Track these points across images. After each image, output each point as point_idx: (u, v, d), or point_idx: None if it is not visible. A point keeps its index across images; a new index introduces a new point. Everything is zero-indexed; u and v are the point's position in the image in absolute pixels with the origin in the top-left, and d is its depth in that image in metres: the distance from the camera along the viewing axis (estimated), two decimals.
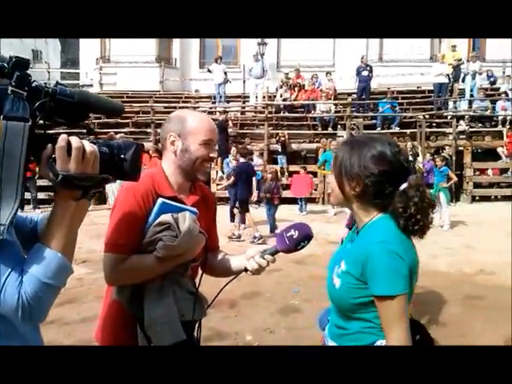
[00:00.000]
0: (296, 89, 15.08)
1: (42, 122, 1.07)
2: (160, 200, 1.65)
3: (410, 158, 9.51)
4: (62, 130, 1.33)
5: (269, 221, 8.83)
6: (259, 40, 15.18)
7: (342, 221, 5.17)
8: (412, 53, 15.84)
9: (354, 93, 15.39)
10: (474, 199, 12.49)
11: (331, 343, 1.51)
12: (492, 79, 15.14)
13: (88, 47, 17.42)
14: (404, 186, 1.39)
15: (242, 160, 9.21)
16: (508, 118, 13.71)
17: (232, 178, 8.78)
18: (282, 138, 12.97)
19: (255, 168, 11.50)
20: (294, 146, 13.46)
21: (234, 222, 8.91)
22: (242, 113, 15.70)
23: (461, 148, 12.92)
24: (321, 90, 14.85)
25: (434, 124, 14.06)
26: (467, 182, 12.57)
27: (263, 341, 3.99)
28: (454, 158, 12.36)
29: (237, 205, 8.60)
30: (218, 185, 10.89)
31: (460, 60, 14.76)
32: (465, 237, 7.28)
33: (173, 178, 1.75)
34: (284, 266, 5.70)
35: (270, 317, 4.61)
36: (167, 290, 1.65)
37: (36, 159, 1.07)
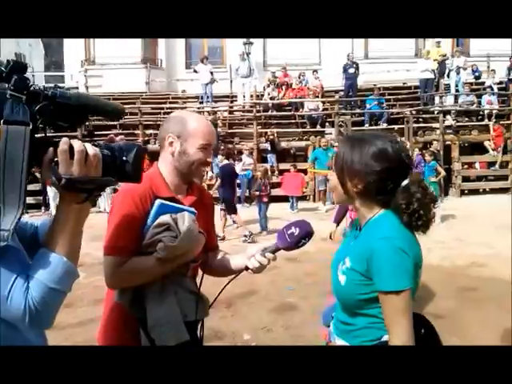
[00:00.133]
0: (283, 87, 15.11)
1: (42, 125, 1.06)
2: (158, 201, 1.64)
3: None
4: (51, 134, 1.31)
5: (260, 219, 8.85)
6: (245, 39, 15.16)
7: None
8: (397, 49, 15.91)
9: (341, 90, 15.44)
10: (462, 193, 12.63)
11: (337, 339, 1.52)
12: (477, 74, 15.30)
13: (72, 49, 17.23)
14: (406, 182, 1.40)
15: (225, 161, 9.26)
16: (494, 111, 13.87)
17: (219, 180, 8.83)
18: (271, 137, 12.99)
19: (245, 167, 11.60)
20: (284, 145, 13.48)
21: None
22: (230, 112, 15.67)
23: (448, 142, 13.04)
24: (308, 88, 14.90)
25: (421, 119, 14.19)
26: (455, 176, 12.70)
27: (261, 339, 4.00)
28: (441, 153, 12.47)
29: (222, 206, 8.60)
30: (209, 185, 10.90)
31: (445, 56, 14.88)
32: (455, 230, 7.36)
33: (169, 178, 1.74)
34: (278, 263, 5.63)
35: (267, 315, 4.62)
36: (169, 290, 1.64)
37: (37, 163, 1.05)
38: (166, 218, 1.60)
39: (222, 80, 15.50)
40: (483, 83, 15.16)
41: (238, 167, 11.52)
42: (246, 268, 1.70)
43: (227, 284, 1.72)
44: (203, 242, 1.71)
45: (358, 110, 14.62)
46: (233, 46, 15.99)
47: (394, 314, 1.33)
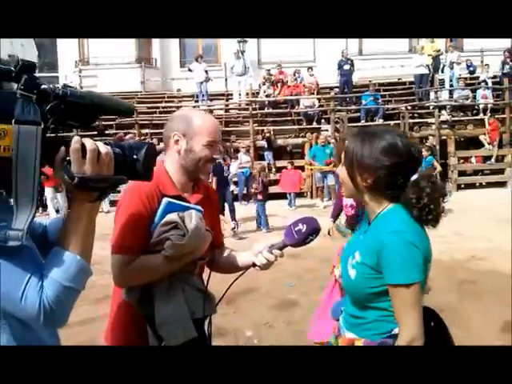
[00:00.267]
0: (279, 85, 15.10)
1: (53, 125, 1.05)
2: (165, 200, 1.64)
3: None
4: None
5: (257, 216, 8.90)
6: (239, 38, 15.14)
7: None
8: (391, 45, 15.89)
9: (336, 87, 15.43)
10: (459, 187, 12.68)
11: (347, 333, 1.53)
12: (471, 68, 15.34)
13: (66, 50, 17.14)
14: (415, 176, 1.41)
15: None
16: (489, 105, 13.92)
17: (214, 178, 8.86)
18: (268, 134, 13.00)
19: (243, 165, 11.67)
20: (280, 142, 13.50)
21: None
22: (226, 110, 15.65)
23: (444, 137, 13.10)
24: (303, 85, 14.89)
25: (417, 115, 14.21)
26: (452, 171, 12.76)
27: (263, 336, 4.01)
28: (437, 148, 12.51)
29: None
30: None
31: (439, 51, 14.91)
32: (454, 224, 7.37)
33: (176, 176, 1.74)
34: (279, 260, 5.69)
35: (268, 312, 4.63)
36: (176, 288, 1.65)
37: (49, 163, 1.05)
38: (173, 217, 1.60)
39: (216, 78, 15.47)
40: (478, 78, 15.19)
41: (235, 165, 11.55)
42: (254, 265, 1.71)
43: (235, 281, 1.72)
44: (210, 240, 1.71)
45: (353, 107, 14.62)
46: (227, 45, 15.95)
47: (404, 307, 1.34)
